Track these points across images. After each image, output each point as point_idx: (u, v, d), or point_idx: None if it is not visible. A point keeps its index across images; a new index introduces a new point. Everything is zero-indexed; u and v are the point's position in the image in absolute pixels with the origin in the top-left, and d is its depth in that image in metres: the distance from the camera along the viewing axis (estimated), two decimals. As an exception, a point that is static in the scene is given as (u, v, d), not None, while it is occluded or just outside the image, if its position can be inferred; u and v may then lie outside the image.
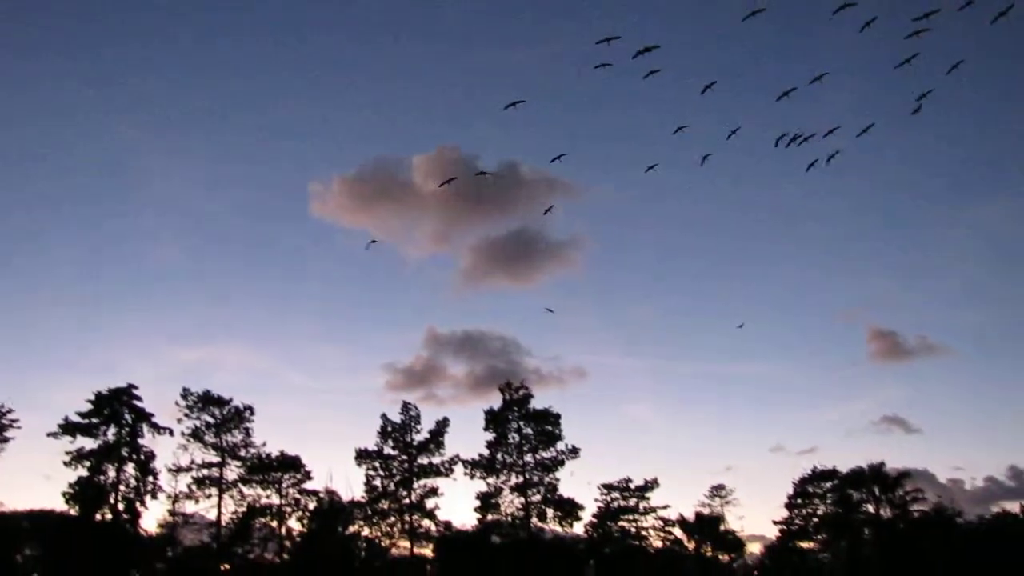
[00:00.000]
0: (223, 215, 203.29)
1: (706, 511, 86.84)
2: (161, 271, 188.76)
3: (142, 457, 73.81)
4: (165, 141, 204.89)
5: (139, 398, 74.39)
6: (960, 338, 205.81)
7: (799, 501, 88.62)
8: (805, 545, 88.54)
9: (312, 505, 76.10)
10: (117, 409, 73.72)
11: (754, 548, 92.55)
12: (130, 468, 73.39)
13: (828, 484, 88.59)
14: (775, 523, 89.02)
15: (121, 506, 72.52)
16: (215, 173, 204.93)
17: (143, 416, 74.13)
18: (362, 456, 77.59)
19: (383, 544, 76.00)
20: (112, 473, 72.66)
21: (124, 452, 73.41)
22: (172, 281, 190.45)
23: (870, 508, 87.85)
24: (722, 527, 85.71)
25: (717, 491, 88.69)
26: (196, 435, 75.93)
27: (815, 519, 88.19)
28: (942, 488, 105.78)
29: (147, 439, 74.30)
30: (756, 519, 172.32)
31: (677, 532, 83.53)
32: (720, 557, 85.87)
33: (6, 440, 70.97)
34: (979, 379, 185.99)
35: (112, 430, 73.36)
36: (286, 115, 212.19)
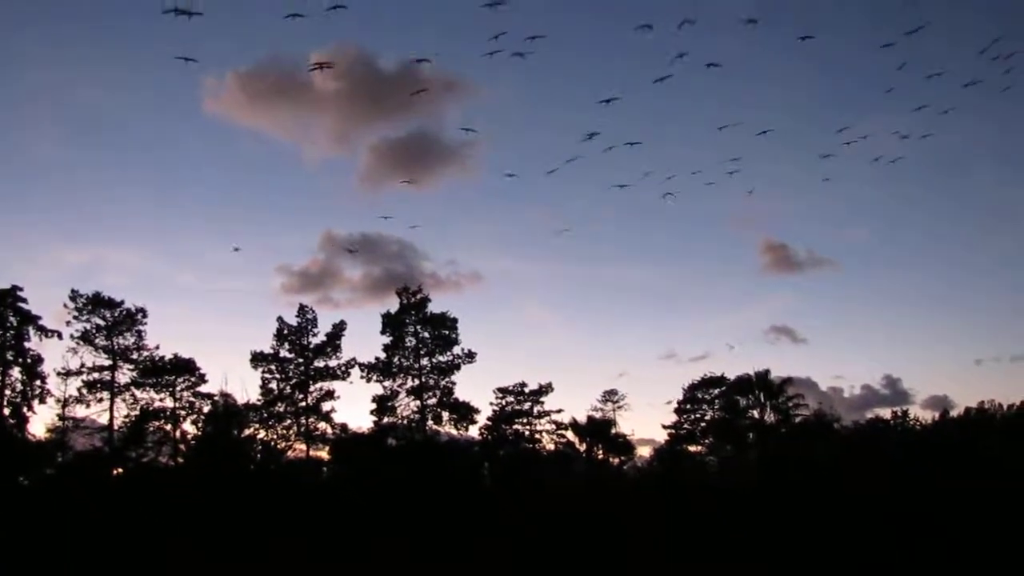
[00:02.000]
0: (110, 109, 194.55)
1: (598, 415, 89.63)
2: (45, 168, 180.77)
3: (29, 361, 71.94)
4: (44, 29, 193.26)
5: (24, 300, 72.22)
6: (845, 252, 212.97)
7: (688, 407, 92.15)
8: (692, 449, 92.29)
9: (207, 408, 75.55)
10: (1, 312, 71.60)
11: (644, 451, 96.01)
12: (16, 372, 71.70)
13: (716, 391, 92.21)
14: (664, 427, 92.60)
15: (7, 411, 70.92)
16: (101, 64, 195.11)
17: (29, 318, 72.09)
18: (258, 359, 77.39)
19: (279, 447, 76.25)
20: (-3, 378, 71.19)
21: (9, 356, 71.54)
22: (56, 179, 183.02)
23: (755, 414, 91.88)
24: (613, 431, 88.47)
25: (609, 396, 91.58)
26: (86, 338, 74.21)
27: (703, 424, 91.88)
28: (823, 395, 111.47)
29: (34, 342, 72.35)
30: (647, 423, 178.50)
31: (570, 435, 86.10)
32: (611, 459, 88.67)
33: None
34: (860, 292, 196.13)
35: (-4, 333, 71.63)
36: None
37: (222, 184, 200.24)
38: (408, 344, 79.78)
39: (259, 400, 76.31)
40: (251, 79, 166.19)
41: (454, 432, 79.92)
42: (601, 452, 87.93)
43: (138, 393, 75.28)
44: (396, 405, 78.72)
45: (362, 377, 78.85)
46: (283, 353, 78.18)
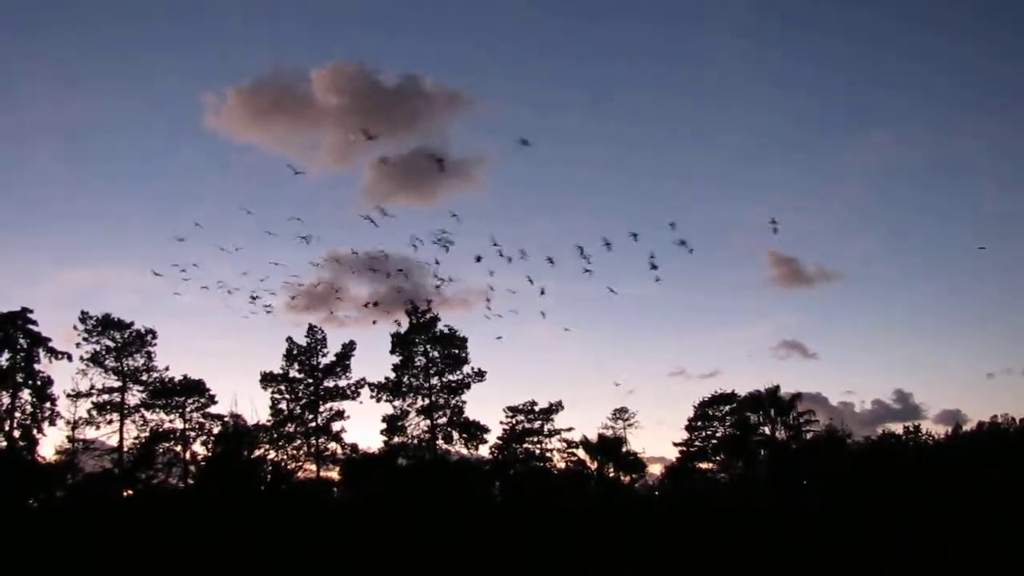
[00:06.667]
0: (108, 128, 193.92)
1: (609, 433, 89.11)
2: (45, 189, 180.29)
3: (38, 383, 72.22)
4: (42, 44, 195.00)
5: (34, 322, 72.53)
6: (853, 265, 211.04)
7: (699, 424, 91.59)
8: (703, 466, 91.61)
9: (217, 429, 75.46)
10: (11, 334, 71.74)
11: (655, 469, 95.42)
12: (26, 394, 71.89)
13: (726, 407, 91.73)
14: (675, 445, 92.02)
15: (17, 433, 70.98)
16: (99, 83, 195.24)
17: (39, 340, 72.33)
18: (267, 379, 77.38)
19: (289, 467, 75.88)
20: (7, 400, 71.07)
21: (19, 378, 71.69)
22: (57, 200, 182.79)
23: (766, 430, 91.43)
24: (624, 448, 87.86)
25: (620, 413, 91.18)
26: (96, 360, 74.60)
27: (714, 441, 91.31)
28: (834, 411, 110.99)
29: (43, 364, 72.69)
30: (658, 441, 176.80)
31: (580, 453, 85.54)
32: (622, 477, 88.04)
33: None
34: (869, 306, 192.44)
35: (6, 355, 71.56)
36: (178, 21, 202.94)
37: (223, 201, 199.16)
38: (418, 363, 79.45)
39: (269, 420, 76.25)
40: (251, 95, 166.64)
41: (464, 451, 79.75)
42: (612, 470, 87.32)
43: (148, 414, 75.68)
44: (406, 425, 78.38)
45: (372, 397, 78.78)
46: (293, 373, 78.19)
